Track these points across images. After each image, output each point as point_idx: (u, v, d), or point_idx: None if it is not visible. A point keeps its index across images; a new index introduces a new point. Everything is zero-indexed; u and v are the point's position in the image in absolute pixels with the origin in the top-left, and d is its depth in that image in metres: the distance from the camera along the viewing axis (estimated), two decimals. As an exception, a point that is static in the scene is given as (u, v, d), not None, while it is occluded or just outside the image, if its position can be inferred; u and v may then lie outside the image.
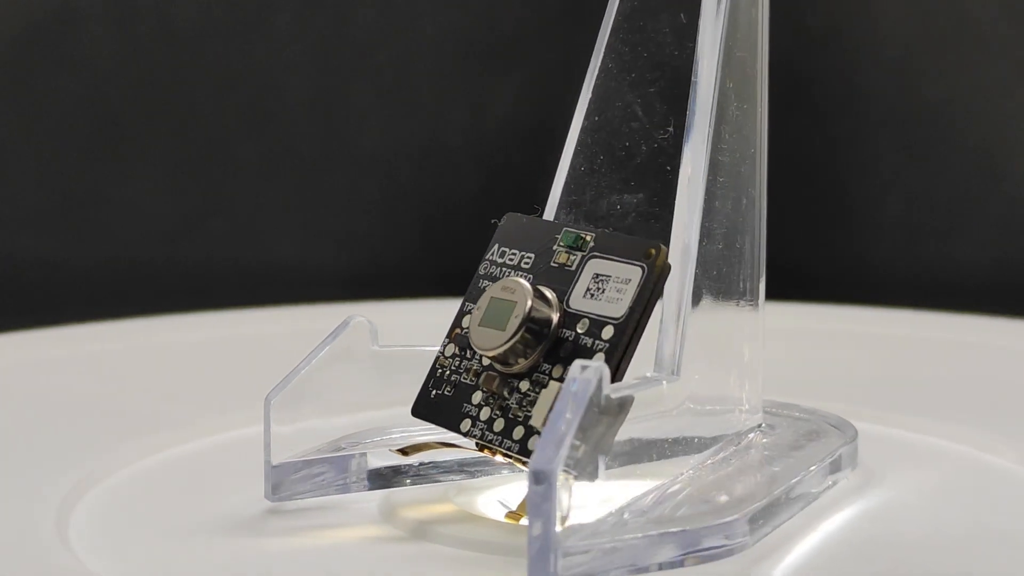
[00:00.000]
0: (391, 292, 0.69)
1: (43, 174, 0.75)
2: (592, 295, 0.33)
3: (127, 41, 0.75)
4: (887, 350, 0.56)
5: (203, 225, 0.77)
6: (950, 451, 0.43)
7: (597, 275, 0.34)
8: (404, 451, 0.37)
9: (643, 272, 0.33)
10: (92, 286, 0.74)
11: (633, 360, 0.33)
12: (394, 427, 0.37)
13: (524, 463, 0.32)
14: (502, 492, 0.37)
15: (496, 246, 0.36)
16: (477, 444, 0.34)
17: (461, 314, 0.36)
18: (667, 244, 0.34)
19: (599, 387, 0.30)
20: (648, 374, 0.34)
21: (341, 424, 0.37)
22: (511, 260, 0.35)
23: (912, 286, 0.75)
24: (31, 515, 0.36)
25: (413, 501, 0.36)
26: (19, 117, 0.74)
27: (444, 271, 0.58)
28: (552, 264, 0.35)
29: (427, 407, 0.35)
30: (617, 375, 0.32)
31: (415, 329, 0.39)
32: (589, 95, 0.37)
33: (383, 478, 0.37)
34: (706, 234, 0.35)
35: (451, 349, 0.35)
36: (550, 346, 0.33)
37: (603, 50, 0.37)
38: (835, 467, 0.37)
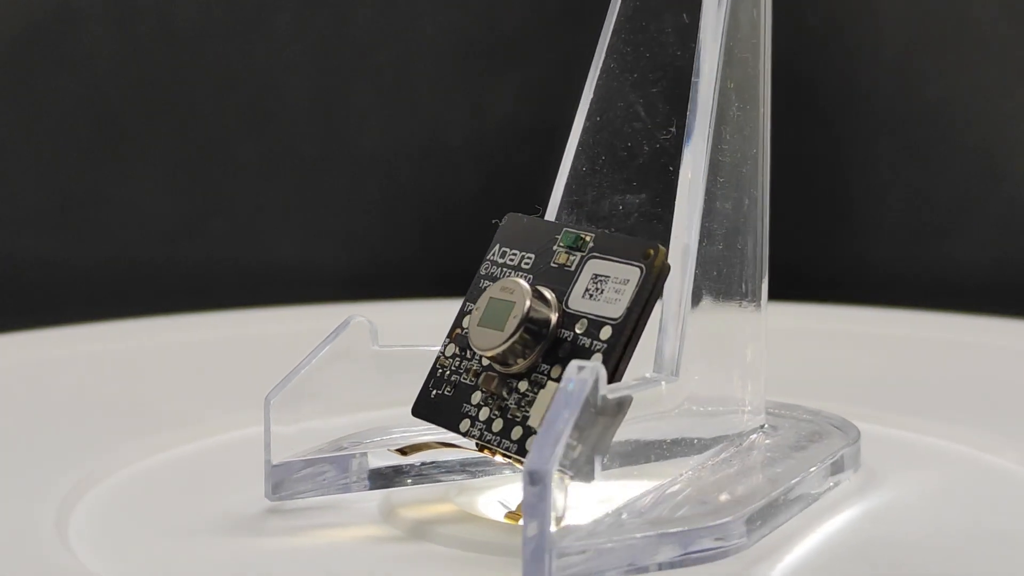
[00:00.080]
0: (391, 292, 0.69)
1: (43, 174, 0.75)
2: (591, 295, 0.33)
3: (127, 41, 0.75)
4: (887, 350, 0.56)
5: (203, 225, 0.77)
6: (950, 451, 0.42)
7: (596, 275, 0.34)
8: (403, 451, 0.37)
9: (641, 273, 0.33)
10: (92, 286, 0.74)
11: (633, 360, 0.33)
12: (394, 427, 0.37)
13: (522, 463, 0.32)
14: (503, 492, 0.37)
15: (497, 246, 0.36)
16: (477, 444, 0.34)
17: (462, 314, 0.36)
18: (668, 245, 0.34)
19: (595, 387, 0.30)
20: (647, 375, 0.34)
21: (341, 424, 0.37)
22: (512, 260, 0.35)
23: (912, 286, 0.75)
24: (31, 515, 0.36)
25: (413, 501, 0.36)
26: (19, 117, 0.74)
27: (444, 271, 0.58)
28: (552, 264, 0.35)
29: (427, 407, 0.35)
30: (615, 375, 0.32)
31: (415, 329, 0.39)
32: (591, 95, 0.37)
33: (384, 478, 0.37)
34: (706, 235, 0.35)
35: (451, 349, 0.35)
36: (549, 346, 0.33)
37: (605, 50, 0.37)
38: (836, 468, 0.37)
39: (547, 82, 0.78)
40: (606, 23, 0.37)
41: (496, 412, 0.34)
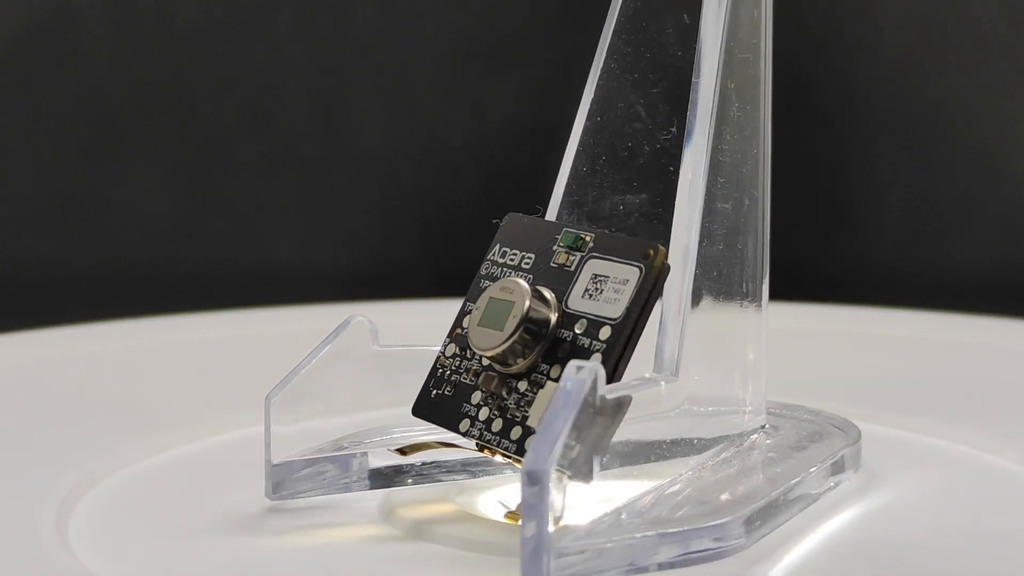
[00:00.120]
0: (391, 292, 0.69)
1: (43, 174, 0.75)
2: (590, 295, 0.33)
3: (127, 41, 0.75)
4: (887, 350, 0.56)
5: (203, 225, 0.77)
6: (950, 451, 0.42)
7: (595, 275, 0.34)
8: (403, 451, 0.37)
9: (641, 273, 0.33)
10: (92, 286, 0.74)
11: (633, 360, 0.33)
12: (394, 427, 0.37)
13: (522, 463, 0.32)
14: (503, 492, 0.37)
15: (497, 246, 0.36)
16: (477, 444, 0.34)
17: (462, 314, 0.36)
18: (668, 245, 0.34)
19: (594, 387, 0.30)
20: (647, 375, 0.34)
21: (341, 424, 0.37)
22: (512, 260, 0.35)
23: (912, 286, 0.75)
24: (31, 515, 0.36)
25: (413, 501, 0.36)
26: (19, 117, 0.74)
27: (444, 271, 0.58)
28: (552, 264, 0.35)
29: (427, 407, 0.35)
30: (615, 376, 0.32)
31: (415, 329, 0.39)
32: (591, 95, 0.37)
33: (384, 477, 0.37)
34: (706, 235, 0.35)
35: (451, 349, 0.35)
36: (548, 346, 0.33)
37: (605, 50, 0.37)
38: (837, 468, 0.37)
39: (547, 82, 0.78)
40: (606, 23, 0.37)
41: (496, 412, 0.34)
